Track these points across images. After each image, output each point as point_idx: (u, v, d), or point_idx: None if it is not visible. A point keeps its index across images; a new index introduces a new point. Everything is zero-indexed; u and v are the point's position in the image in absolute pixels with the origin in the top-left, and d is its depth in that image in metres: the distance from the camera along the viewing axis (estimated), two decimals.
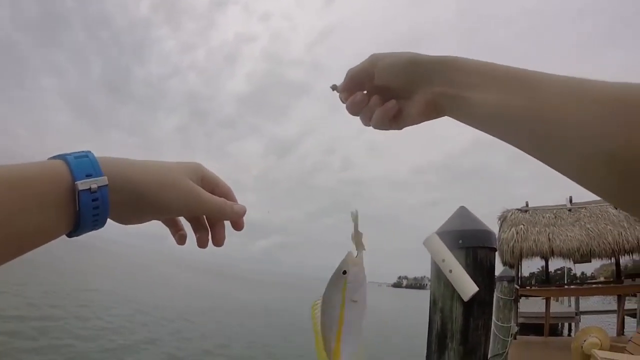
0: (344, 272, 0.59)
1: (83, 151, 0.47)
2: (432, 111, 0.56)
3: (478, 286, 1.91)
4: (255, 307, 24.77)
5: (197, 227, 0.62)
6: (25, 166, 0.43)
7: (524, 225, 12.74)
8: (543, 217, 12.95)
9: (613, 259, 12.95)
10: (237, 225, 0.62)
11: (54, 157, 0.47)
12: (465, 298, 1.91)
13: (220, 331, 14.52)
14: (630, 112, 0.36)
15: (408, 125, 0.61)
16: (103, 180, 0.45)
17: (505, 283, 7.54)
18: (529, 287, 14.42)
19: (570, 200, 13.17)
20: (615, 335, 11.05)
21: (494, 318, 6.88)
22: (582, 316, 15.23)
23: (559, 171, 0.45)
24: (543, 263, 14.50)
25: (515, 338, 9.32)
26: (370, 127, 0.61)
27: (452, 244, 1.98)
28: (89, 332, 10.52)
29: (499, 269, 8.79)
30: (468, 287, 1.90)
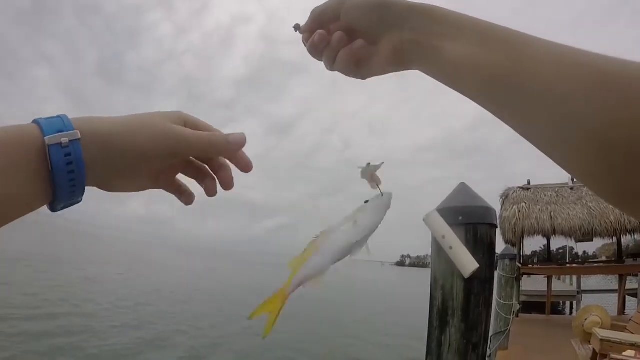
0: (366, 202, 0.56)
1: (57, 115, 0.44)
2: (400, 60, 0.52)
3: (478, 263, 1.89)
4: (263, 290, 24.91)
5: (202, 176, 0.56)
6: None
7: (525, 203, 12.76)
8: (545, 195, 12.97)
9: (615, 239, 13.00)
10: (242, 163, 0.54)
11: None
12: (466, 275, 1.90)
13: (230, 318, 14.59)
14: (624, 89, 0.32)
15: (373, 75, 0.56)
16: (74, 134, 0.42)
17: (507, 261, 7.55)
18: (531, 265, 14.49)
19: (573, 179, 13.14)
20: (616, 314, 11.16)
21: (496, 296, 6.91)
22: (583, 295, 15.35)
23: (536, 145, 0.40)
24: (545, 241, 14.56)
25: (517, 316, 9.39)
26: (355, 80, 0.56)
27: (452, 220, 1.95)
28: (102, 327, 10.44)
29: (501, 247, 8.81)
30: (468, 263, 1.88)
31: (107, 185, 0.48)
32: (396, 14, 0.49)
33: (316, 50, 0.56)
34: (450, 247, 1.91)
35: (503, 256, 7.58)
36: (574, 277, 16.64)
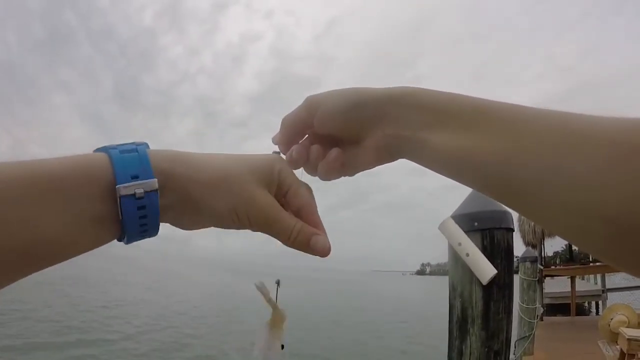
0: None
1: (133, 143, 0.40)
2: (386, 155, 0.48)
3: (496, 268, 1.87)
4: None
5: None
6: (58, 160, 0.36)
7: None
8: None
9: None
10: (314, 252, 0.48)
11: (100, 149, 0.40)
12: (484, 281, 1.87)
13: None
14: (634, 159, 0.29)
15: (360, 171, 0.52)
16: (152, 184, 0.38)
17: (528, 264, 7.41)
18: (553, 267, 14.30)
19: None
20: None
21: (518, 300, 6.81)
22: (609, 293, 15.06)
23: (544, 227, 0.38)
24: (566, 241, 14.32)
25: (541, 319, 9.24)
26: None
27: (468, 226, 1.94)
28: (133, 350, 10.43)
29: (521, 249, 8.69)
30: (486, 270, 1.86)
31: (179, 226, 0.45)
32: (374, 110, 0.46)
33: (296, 165, 0.52)
34: (467, 254, 1.89)
35: (524, 259, 7.45)
36: (598, 276, 16.35)
